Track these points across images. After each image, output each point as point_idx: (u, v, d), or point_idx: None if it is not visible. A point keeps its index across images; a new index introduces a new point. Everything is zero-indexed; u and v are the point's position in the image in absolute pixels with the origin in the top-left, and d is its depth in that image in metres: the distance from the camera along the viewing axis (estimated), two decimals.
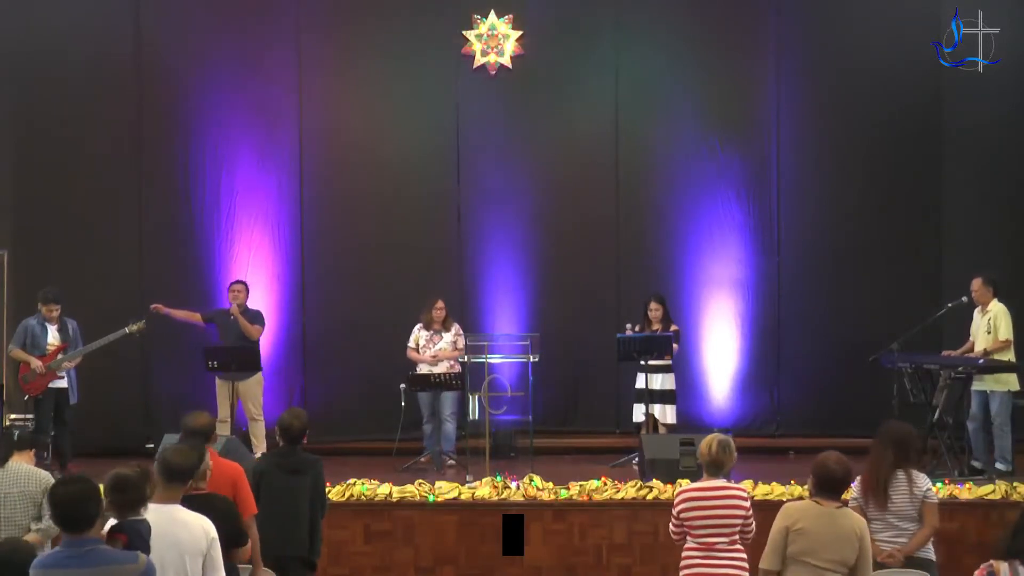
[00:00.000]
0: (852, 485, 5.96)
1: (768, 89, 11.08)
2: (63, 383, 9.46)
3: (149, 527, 4.37)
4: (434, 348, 9.96)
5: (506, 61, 11.05)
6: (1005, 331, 9.11)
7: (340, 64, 11.13)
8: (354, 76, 11.12)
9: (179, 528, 4.62)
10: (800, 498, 6.81)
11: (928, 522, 5.89)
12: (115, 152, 10.95)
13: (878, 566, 5.71)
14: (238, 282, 10.20)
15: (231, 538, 5.14)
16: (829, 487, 5.19)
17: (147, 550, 4.27)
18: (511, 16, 11.04)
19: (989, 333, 9.15)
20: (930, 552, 5.96)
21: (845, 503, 5.21)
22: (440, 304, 10.01)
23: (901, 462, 5.92)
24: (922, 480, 5.96)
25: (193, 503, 5.00)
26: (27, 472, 6.01)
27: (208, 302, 10.71)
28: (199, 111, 10.96)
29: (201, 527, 4.67)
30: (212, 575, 4.65)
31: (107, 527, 4.36)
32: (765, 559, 5.21)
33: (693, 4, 11.20)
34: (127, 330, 9.67)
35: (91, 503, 4.10)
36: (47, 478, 5.99)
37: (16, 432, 6.53)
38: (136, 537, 4.27)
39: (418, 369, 9.86)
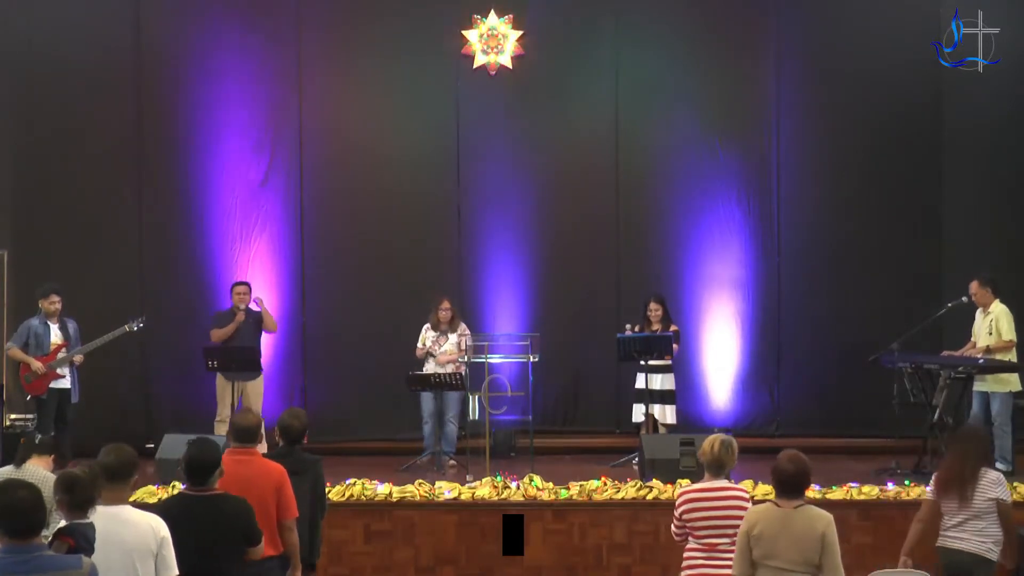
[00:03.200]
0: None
1: (768, 89, 11.07)
2: (66, 383, 9.45)
3: (94, 529, 4.33)
4: (440, 350, 9.93)
5: (506, 61, 11.05)
6: (1007, 332, 9.12)
7: (340, 64, 11.13)
8: (354, 76, 11.11)
9: (125, 528, 4.54)
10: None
11: (1006, 526, 6.17)
12: (115, 152, 10.95)
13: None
14: (241, 283, 10.09)
15: (245, 538, 5.17)
16: (785, 486, 5.15)
17: (91, 553, 4.20)
18: (511, 16, 11.04)
19: (991, 334, 9.15)
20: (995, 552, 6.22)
21: (807, 501, 5.16)
22: (445, 304, 9.93)
23: (983, 462, 6.28)
24: (998, 481, 6.24)
25: (203, 504, 5.03)
26: (42, 476, 5.95)
27: (208, 302, 10.72)
28: (199, 110, 10.96)
29: (149, 526, 4.59)
30: (165, 574, 4.57)
31: (55, 528, 4.32)
32: (734, 565, 5.19)
33: (693, 4, 11.19)
34: (128, 328, 9.68)
35: (40, 511, 3.95)
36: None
37: (38, 436, 6.53)
38: (82, 540, 4.22)
39: (423, 368, 9.84)
